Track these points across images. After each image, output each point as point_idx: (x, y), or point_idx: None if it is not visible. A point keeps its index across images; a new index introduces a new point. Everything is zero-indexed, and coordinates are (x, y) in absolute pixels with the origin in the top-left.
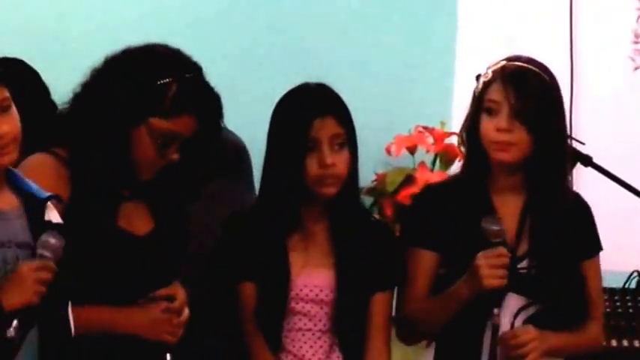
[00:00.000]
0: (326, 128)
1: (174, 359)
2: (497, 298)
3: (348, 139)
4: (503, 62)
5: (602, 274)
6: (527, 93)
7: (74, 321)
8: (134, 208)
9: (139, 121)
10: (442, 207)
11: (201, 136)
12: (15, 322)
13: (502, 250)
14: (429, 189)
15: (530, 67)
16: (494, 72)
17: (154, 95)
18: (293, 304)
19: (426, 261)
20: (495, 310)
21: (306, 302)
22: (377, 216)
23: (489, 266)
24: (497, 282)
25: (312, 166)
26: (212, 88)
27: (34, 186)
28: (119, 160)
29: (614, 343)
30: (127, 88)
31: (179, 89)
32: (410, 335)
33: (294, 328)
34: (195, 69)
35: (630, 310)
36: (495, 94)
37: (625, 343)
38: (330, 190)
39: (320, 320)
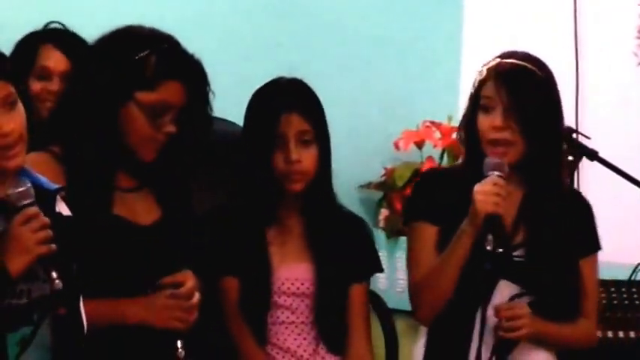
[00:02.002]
0: (292, 124)
1: (186, 346)
2: (493, 227)
3: (317, 135)
4: (498, 60)
5: (609, 267)
6: (519, 91)
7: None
8: (140, 198)
9: (126, 99)
10: (444, 187)
11: (192, 104)
12: (54, 274)
13: (496, 178)
14: (433, 171)
15: (524, 64)
16: (488, 70)
17: (135, 70)
18: (275, 298)
19: (431, 235)
20: (489, 237)
21: (288, 295)
22: (386, 210)
23: (483, 192)
24: (491, 207)
25: (279, 161)
26: (192, 55)
27: (43, 179)
28: (112, 146)
29: (621, 334)
30: (106, 69)
31: (158, 59)
32: (422, 304)
33: (278, 322)
34: (171, 40)
35: (637, 302)
36: (489, 91)
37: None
38: (296, 186)
39: (302, 313)
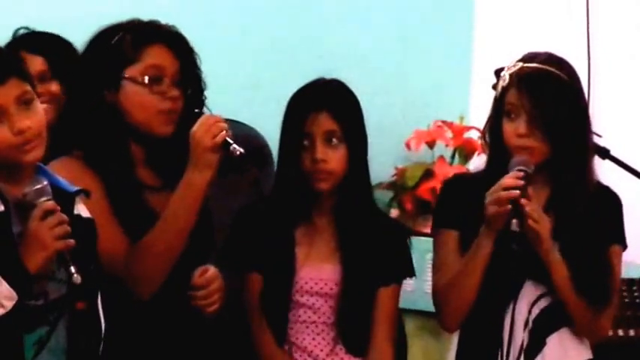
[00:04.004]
0: (319, 124)
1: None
2: (516, 211)
3: (346, 135)
4: (520, 64)
5: (623, 266)
6: (543, 98)
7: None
8: (166, 198)
9: (118, 82)
10: (467, 192)
11: (184, 67)
12: (73, 268)
13: (506, 178)
14: (455, 177)
15: (546, 67)
16: (511, 76)
17: (115, 53)
18: (298, 297)
19: (450, 240)
20: (514, 220)
21: (311, 295)
22: (397, 210)
23: (490, 192)
24: (492, 208)
25: (306, 160)
26: (166, 23)
27: (62, 181)
28: (120, 127)
29: (631, 333)
30: (91, 66)
31: (133, 34)
32: (446, 309)
33: (299, 321)
34: (139, 21)
35: None
36: (513, 98)
37: None
38: (322, 186)
39: (324, 313)
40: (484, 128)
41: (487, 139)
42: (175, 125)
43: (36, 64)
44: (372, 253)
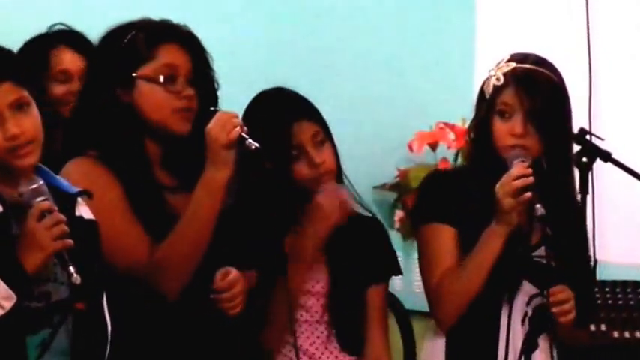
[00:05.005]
0: (304, 131)
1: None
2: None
3: (327, 133)
4: (514, 64)
5: (623, 268)
6: (540, 97)
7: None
8: (184, 199)
9: (132, 82)
10: (454, 188)
11: (197, 66)
12: (72, 268)
13: (519, 165)
14: (439, 172)
15: (540, 69)
16: (505, 75)
17: (128, 52)
18: None
19: (447, 236)
20: (537, 206)
21: (303, 294)
22: (402, 211)
23: (501, 185)
24: (508, 201)
25: (303, 170)
26: (177, 22)
27: (63, 182)
28: (136, 127)
29: (638, 334)
30: (104, 67)
31: (146, 33)
32: (447, 306)
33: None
34: (150, 19)
35: None
36: (509, 97)
37: (638, 334)
38: None
39: (316, 312)
40: (469, 127)
41: (472, 136)
42: (191, 124)
43: (79, 63)
44: (359, 251)
